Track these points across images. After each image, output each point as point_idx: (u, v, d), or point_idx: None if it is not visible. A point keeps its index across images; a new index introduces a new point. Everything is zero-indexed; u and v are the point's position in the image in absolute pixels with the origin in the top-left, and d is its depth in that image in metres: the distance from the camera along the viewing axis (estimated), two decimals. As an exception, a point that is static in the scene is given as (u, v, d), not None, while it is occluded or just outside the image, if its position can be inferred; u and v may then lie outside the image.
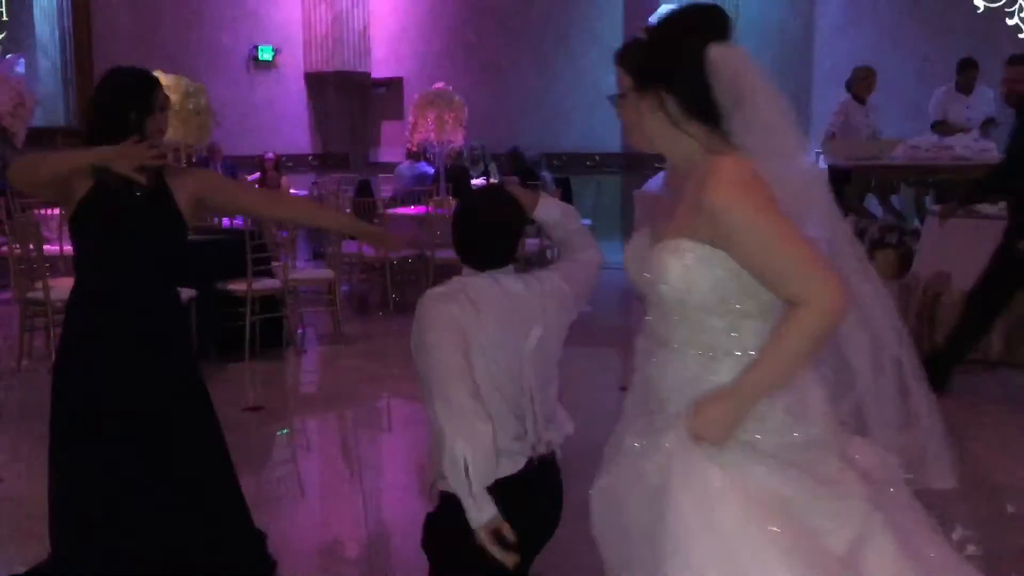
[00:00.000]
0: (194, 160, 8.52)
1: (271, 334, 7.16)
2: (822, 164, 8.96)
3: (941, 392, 5.91)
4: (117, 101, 2.94)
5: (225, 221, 9.19)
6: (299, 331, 7.57)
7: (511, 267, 2.62)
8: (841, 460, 1.89)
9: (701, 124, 1.85)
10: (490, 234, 2.57)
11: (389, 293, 8.89)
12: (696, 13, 1.90)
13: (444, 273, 7.05)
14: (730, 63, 1.82)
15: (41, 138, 9.44)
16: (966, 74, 8.57)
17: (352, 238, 7.73)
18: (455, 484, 2.20)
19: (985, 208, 6.84)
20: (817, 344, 1.78)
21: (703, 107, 1.84)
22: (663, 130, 1.89)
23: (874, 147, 8.41)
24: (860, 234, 5.87)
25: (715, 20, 1.88)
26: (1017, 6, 10.11)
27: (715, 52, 1.82)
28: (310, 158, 14.13)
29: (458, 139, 9.46)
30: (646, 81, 1.88)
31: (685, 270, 1.82)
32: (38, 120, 10.01)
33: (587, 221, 5.74)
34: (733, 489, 1.76)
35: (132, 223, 2.97)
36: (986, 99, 8.69)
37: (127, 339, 2.97)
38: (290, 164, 12.92)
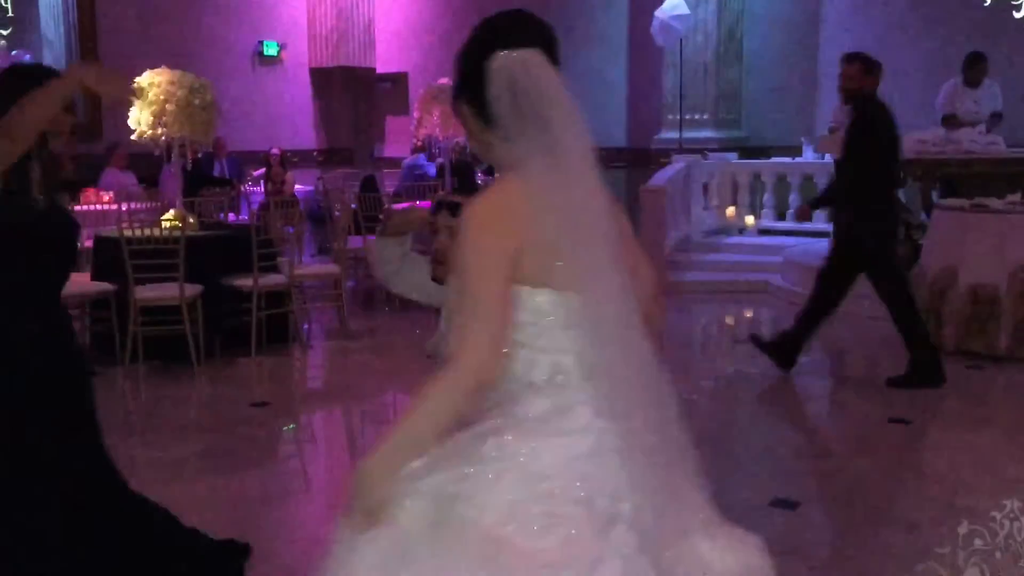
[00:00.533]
0: (199, 155, 8.51)
1: (277, 330, 7.16)
2: (828, 159, 8.95)
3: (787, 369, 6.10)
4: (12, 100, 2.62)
5: (231, 216, 9.19)
6: (304, 327, 7.57)
7: None
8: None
9: (495, 135, 1.79)
10: None
11: (395, 288, 8.86)
12: (493, 21, 1.83)
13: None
14: (509, 72, 1.73)
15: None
16: (975, 68, 8.54)
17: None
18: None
19: (993, 202, 6.81)
20: (453, 396, 1.71)
21: (490, 118, 1.77)
22: (476, 138, 1.86)
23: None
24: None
25: (511, 27, 1.80)
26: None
27: (496, 61, 1.74)
28: (315, 153, 14.12)
29: (462, 134, 9.40)
30: (454, 91, 1.86)
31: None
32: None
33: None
34: None
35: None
36: (993, 93, 8.66)
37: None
38: (295, 159, 12.92)
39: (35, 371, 2.74)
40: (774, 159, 10.85)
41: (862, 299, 6.19)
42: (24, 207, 2.74)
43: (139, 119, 6.70)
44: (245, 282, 6.84)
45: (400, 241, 2.58)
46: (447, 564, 1.65)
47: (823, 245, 7.76)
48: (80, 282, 6.34)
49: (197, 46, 12.35)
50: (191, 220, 7.05)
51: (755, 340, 6.29)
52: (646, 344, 1.79)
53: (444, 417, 1.72)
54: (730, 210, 10.61)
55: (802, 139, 10.69)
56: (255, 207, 8.60)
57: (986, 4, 10.14)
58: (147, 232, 6.52)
